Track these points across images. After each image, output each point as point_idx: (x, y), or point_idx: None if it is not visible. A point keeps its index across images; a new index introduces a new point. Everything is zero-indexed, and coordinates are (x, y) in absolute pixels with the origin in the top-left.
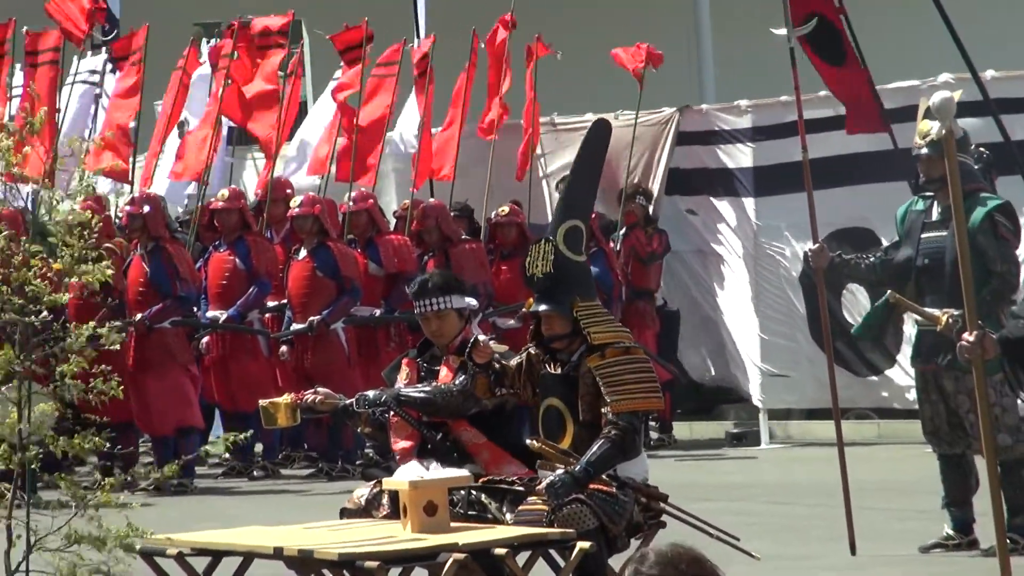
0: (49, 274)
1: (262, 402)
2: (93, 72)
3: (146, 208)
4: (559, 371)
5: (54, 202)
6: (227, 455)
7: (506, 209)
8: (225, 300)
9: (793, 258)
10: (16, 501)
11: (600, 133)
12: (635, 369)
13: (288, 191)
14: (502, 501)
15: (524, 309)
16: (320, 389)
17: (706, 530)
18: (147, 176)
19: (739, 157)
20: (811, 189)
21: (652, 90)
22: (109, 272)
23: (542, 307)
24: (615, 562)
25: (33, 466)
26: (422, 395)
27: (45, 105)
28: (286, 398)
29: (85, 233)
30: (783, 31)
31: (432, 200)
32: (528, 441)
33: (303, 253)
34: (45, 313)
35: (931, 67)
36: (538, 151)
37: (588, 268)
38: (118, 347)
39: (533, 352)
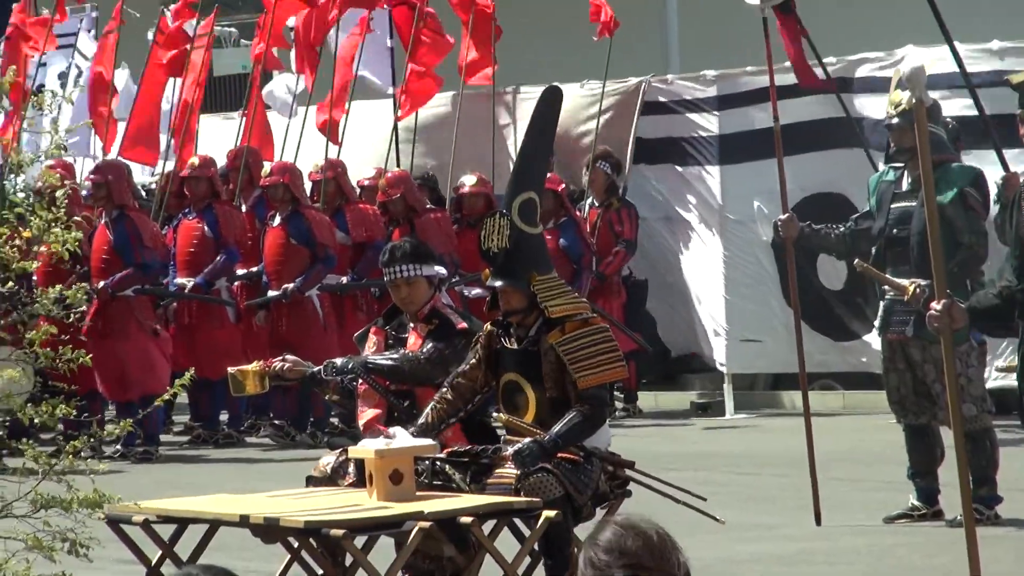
0: (17, 241)
1: (230, 369)
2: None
3: (110, 176)
4: (517, 346)
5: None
6: (192, 423)
7: (472, 178)
8: (193, 268)
9: (763, 224)
10: None
11: (551, 101)
12: (596, 340)
13: (256, 159)
14: (466, 472)
15: (483, 280)
16: (288, 357)
17: (672, 495)
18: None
19: (705, 126)
20: (782, 158)
21: (618, 60)
22: (77, 238)
23: (499, 282)
24: (580, 531)
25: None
26: (390, 363)
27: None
28: (254, 365)
29: (56, 198)
30: (755, 1)
31: (396, 170)
32: (495, 414)
33: (277, 220)
34: (12, 284)
35: (897, 38)
36: (504, 120)
37: (543, 240)
38: (83, 309)
39: (486, 334)
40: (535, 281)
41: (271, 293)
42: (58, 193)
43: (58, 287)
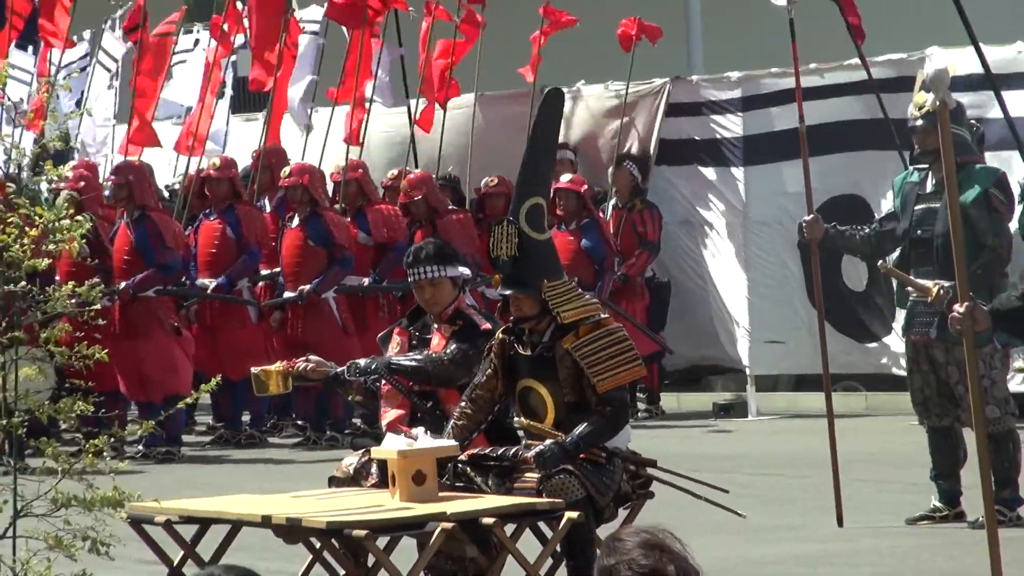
0: (26, 240)
1: (254, 369)
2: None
3: (131, 176)
4: (531, 352)
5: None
6: (215, 424)
7: (494, 179)
8: (214, 268)
9: (787, 225)
10: (2, 467)
11: (553, 105)
12: (611, 342)
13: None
14: (488, 474)
15: (493, 287)
16: (312, 357)
17: (694, 492)
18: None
19: (729, 127)
20: (807, 159)
21: (642, 61)
22: (83, 233)
23: (509, 290)
24: (603, 532)
25: (20, 432)
26: (413, 363)
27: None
28: (278, 366)
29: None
30: (781, 1)
31: (419, 171)
32: (515, 420)
33: (295, 221)
34: (24, 283)
35: (922, 39)
36: (527, 121)
37: (552, 246)
38: (101, 315)
39: (497, 342)
40: (545, 287)
41: (287, 294)
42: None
43: (71, 284)
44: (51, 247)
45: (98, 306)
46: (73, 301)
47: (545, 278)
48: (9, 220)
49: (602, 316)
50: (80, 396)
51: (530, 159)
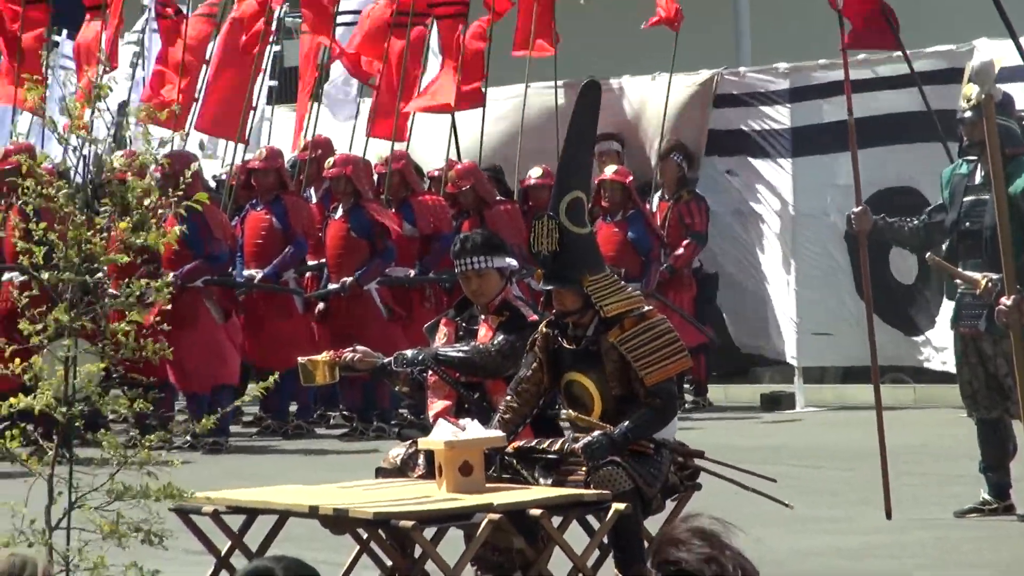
0: (109, 234)
1: (301, 360)
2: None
3: (177, 167)
4: (575, 346)
5: (113, 163)
6: (262, 414)
7: (539, 171)
8: (261, 259)
9: (836, 217)
10: (57, 458)
11: (589, 97)
12: (657, 334)
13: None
14: (535, 466)
15: (535, 280)
16: (359, 348)
17: (741, 482)
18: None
19: (777, 118)
20: (856, 151)
21: (690, 53)
22: (175, 234)
23: (551, 285)
24: (651, 524)
25: (77, 423)
26: (460, 354)
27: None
28: (325, 356)
29: (150, 198)
30: None
31: (467, 161)
32: (563, 412)
33: (339, 213)
34: (101, 274)
35: (969, 31)
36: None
37: (594, 239)
38: (167, 305)
39: (541, 335)
40: (587, 281)
41: (331, 286)
42: (139, 186)
43: (143, 281)
44: (138, 241)
45: (154, 299)
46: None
47: (587, 272)
48: (102, 212)
49: (646, 308)
50: (142, 392)
51: (569, 152)
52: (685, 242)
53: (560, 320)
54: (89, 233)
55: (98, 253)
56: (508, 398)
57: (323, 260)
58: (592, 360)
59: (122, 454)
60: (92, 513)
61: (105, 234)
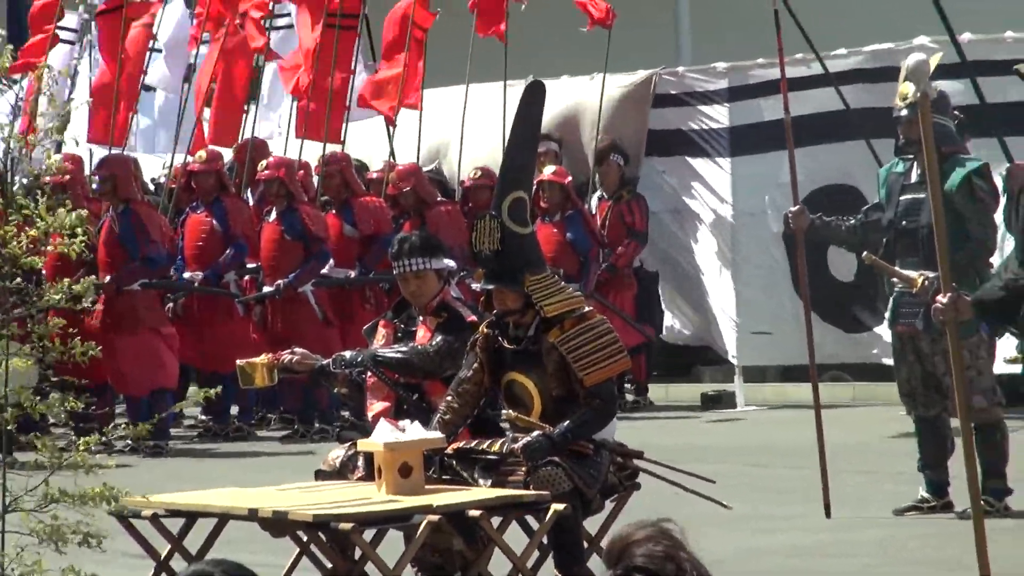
0: (24, 239)
1: (239, 362)
2: (69, 30)
3: (116, 170)
4: (516, 346)
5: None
6: (202, 417)
7: (479, 172)
8: (201, 261)
9: (775, 216)
10: None
11: (534, 97)
12: (596, 335)
13: (262, 152)
14: (474, 467)
15: (475, 281)
16: (297, 349)
17: (680, 483)
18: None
19: (715, 118)
20: (792, 150)
21: (628, 52)
22: (81, 239)
23: (491, 284)
24: (590, 524)
25: (10, 427)
26: (399, 355)
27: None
28: (263, 358)
29: (62, 202)
30: None
31: (407, 163)
32: (503, 412)
33: (273, 216)
34: (19, 280)
35: (908, 29)
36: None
37: (535, 239)
38: (91, 305)
39: (482, 336)
40: (528, 281)
41: (266, 288)
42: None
43: (67, 281)
44: (48, 248)
45: (89, 301)
46: (60, 296)
47: (528, 271)
48: (9, 217)
49: (586, 309)
50: (72, 393)
51: (512, 152)
52: (626, 241)
53: (501, 320)
54: (8, 235)
55: (17, 256)
56: (448, 398)
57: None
58: (532, 360)
59: (57, 456)
60: (27, 516)
61: (23, 236)
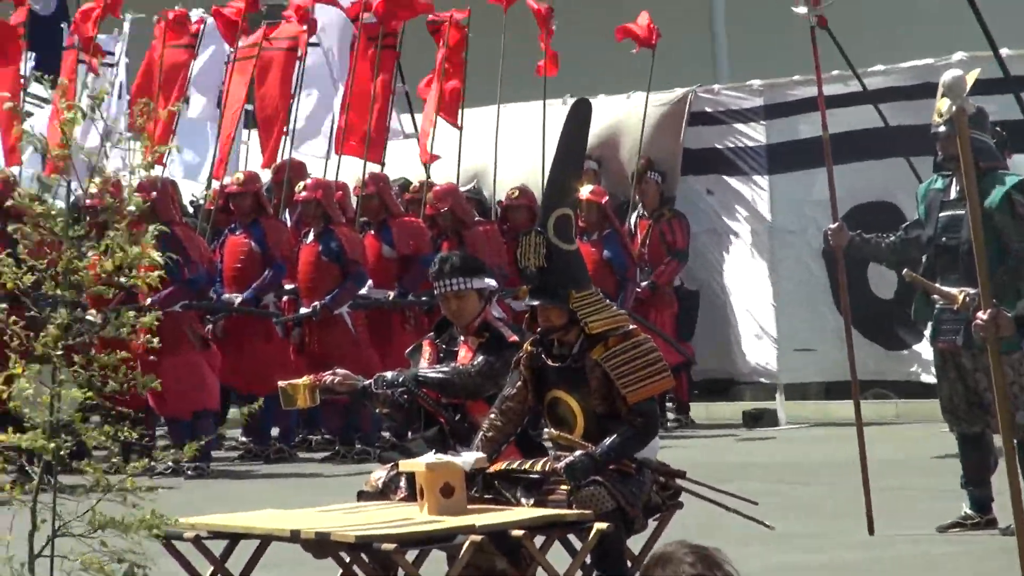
0: (99, 268)
1: (281, 383)
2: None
3: (154, 193)
4: (559, 364)
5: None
6: (244, 439)
7: (516, 191)
8: (240, 283)
9: (814, 233)
10: (41, 486)
11: (580, 115)
12: (641, 353)
13: (299, 174)
14: (517, 486)
15: (520, 298)
16: (339, 370)
17: (723, 503)
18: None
19: (752, 136)
20: (831, 167)
21: (665, 70)
22: (159, 273)
23: (536, 301)
24: (633, 543)
25: (63, 452)
26: (440, 376)
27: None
28: (305, 379)
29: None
30: (803, 9)
31: (445, 183)
32: (544, 431)
33: (310, 237)
34: (88, 307)
35: (947, 45)
36: (551, 131)
37: (580, 256)
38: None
39: (526, 354)
40: (573, 298)
41: (303, 310)
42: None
43: (132, 313)
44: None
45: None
46: (125, 327)
47: (573, 288)
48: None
49: (631, 327)
50: (128, 423)
51: (557, 169)
52: (667, 260)
53: (545, 337)
54: (79, 262)
55: (87, 282)
56: (492, 416)
57: None
58: (576, 378)
59: (105, 480)
60: (74, 542)
61: (86, 262)
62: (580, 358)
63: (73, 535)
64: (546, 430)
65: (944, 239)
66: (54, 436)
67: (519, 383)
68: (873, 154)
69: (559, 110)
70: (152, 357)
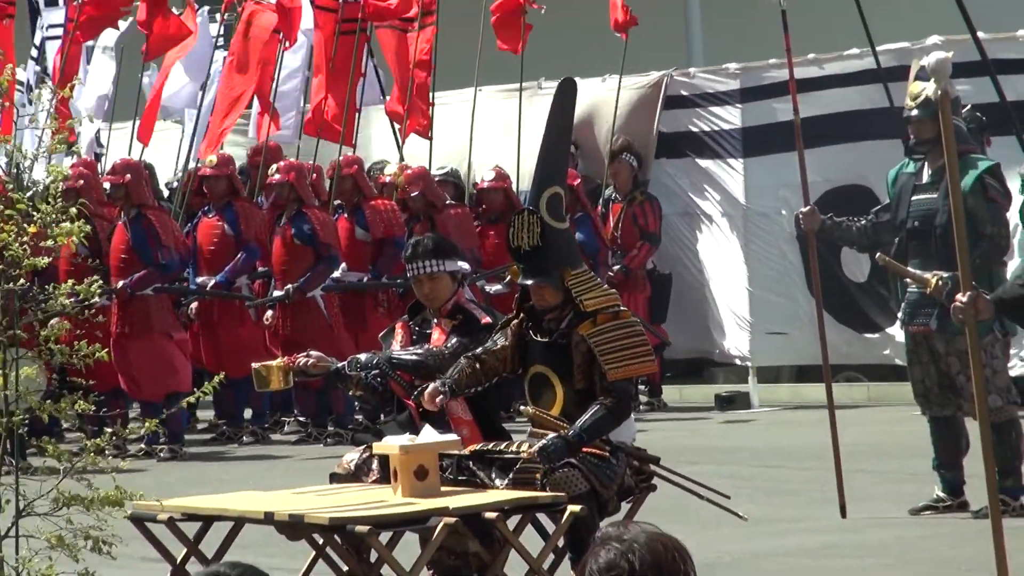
0: (25, 238)
1: (255, 365)
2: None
3: (128, 176)
4: (545, 339)
5: (24, 163)
6: (216, 420)
7: (491, 174)
8: (214, 266)
9: (788, 216)
10: (4, 467)
11: (567, 94)
12: (627, 334)
13: (274, 157)
14: (491, 468)
15: (509, 276)
16: (312, 352)
17: (696, 491)
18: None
19: (727, 119)
20: (802, 151)
21: (640, 54)
22: (84, 230)
23: (532, 280)
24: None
25: (20, 431)
26: (414, 358)
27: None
28: (278, 361)
29: (57, 197)
30: None
31: (416, 166)
32: (522, 407)
33: (283, 220)
34: (23, 280)
35: (921, 28)
36: (525, 115)
37: (572, 234)
38: (101, 313)
39: (515, 324)
40: (568, 276)
41: (275, 293)
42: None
43: (71, 282)
44: (49, 243)
45: (97, 303)
46: (72, 300)
47: (567, 266)
48: (8, 216)
49: (621, 308)
50: (80, 395)
51: (547, 147)
52: (639, 243)
53: (539, 316)
54: (10, 238)
55: (20, 258)
56: (470, 358)
57: None
58: (560, 355)
59: (68, 460)
60: (41, 521)
61: (24, 238)
62: (566, 334)
63: (38, 514)
64: (523, 407)
65: (916, 223)
66: (9, 414)
67: (504, 343)
68: (847, 137)
69: (535, 94)
70: (98, 332)
